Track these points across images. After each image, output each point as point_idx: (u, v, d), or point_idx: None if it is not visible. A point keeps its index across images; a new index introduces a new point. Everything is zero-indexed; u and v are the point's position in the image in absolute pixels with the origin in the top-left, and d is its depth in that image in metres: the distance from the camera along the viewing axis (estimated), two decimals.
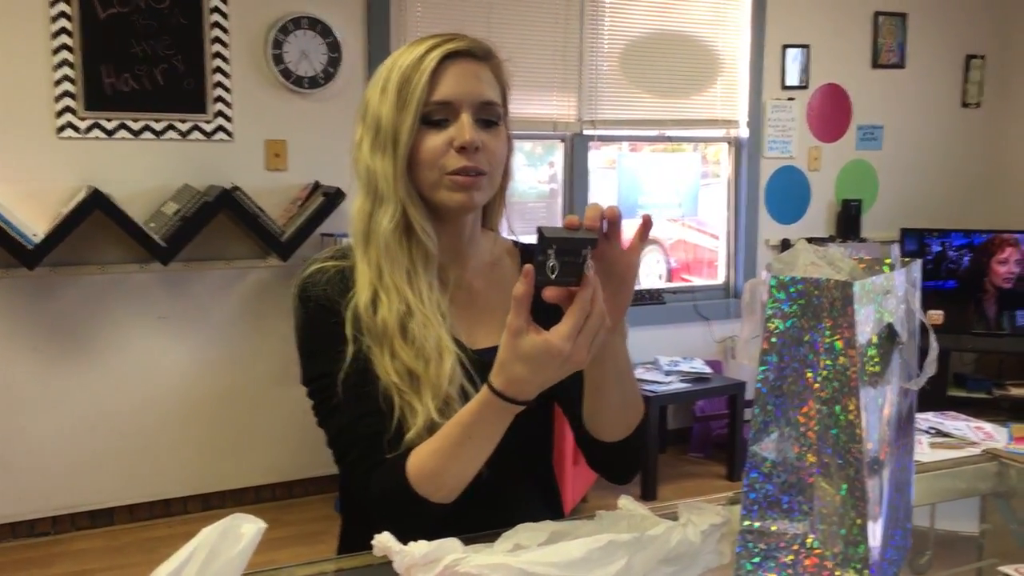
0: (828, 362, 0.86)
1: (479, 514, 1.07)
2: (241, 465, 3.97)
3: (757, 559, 0.88)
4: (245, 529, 0.75)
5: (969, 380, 5.10)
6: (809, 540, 0.88)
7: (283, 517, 3.81)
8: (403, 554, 0.84)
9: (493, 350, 1.17)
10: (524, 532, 0.90)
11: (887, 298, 0.91)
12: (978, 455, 1.43)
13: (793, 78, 4.98)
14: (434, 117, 1.15)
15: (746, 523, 0.88)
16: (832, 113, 5.12)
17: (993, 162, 5.56)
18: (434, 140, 1.15)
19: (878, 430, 0.89)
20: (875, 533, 0.87)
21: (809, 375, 0.87)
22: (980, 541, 1.45)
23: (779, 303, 0.87)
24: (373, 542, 0.87)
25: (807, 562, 0.88)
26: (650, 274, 5.24)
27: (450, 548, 0.85)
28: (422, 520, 1.08)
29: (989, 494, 1.36)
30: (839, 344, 0.85)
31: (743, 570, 0.88)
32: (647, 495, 4.10)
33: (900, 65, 5.25)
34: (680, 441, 4.78)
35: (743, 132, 4.94)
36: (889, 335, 0.91)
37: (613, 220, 1.04)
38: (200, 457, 3.93)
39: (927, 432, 3.48)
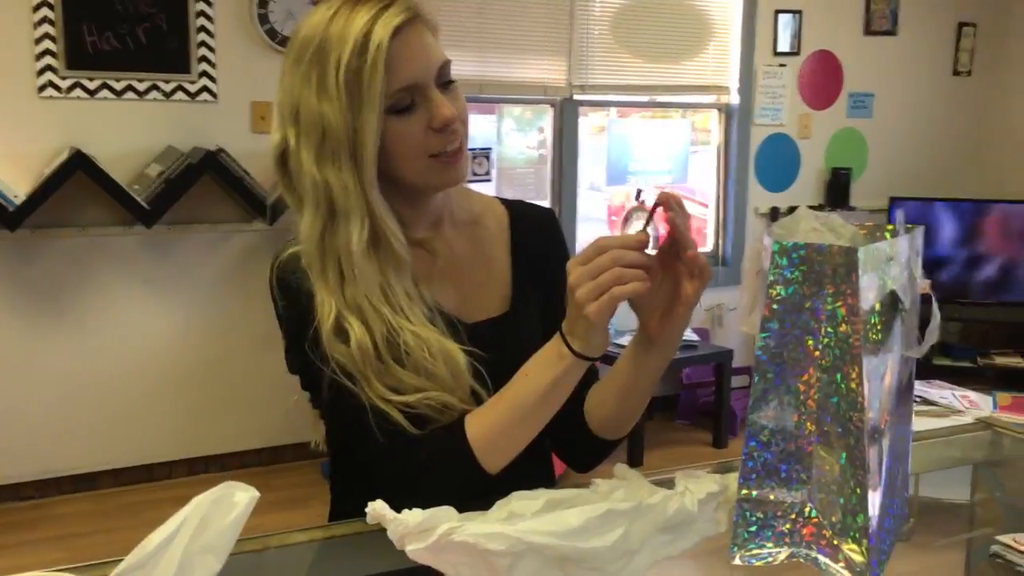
0: (830, 329, 0.84)
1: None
2: (227, 430, 3.95)
3: (754, 528, 0.87)
4: (238, 497, 0.73)
5: (954, 349, 5.13)
6: (807, 509, 0.87)
7: (270, 482, 3.79)
8: (397, 522, 0.83)
9: (485, 323, 1.16)
10: (518, 500, 0.89)
11: (890, 265, 0.89)
12: (971, 423, 1.42)
13: (785, 44, 4.93)
14: (400, 106, 1.03)
15: (744, 492, 0.87)
16: (823, 80, 5.08)
17: (983, 131, 5.54)
18: (407, 128, 1.04)
19: (879, 398, 0.87)
20: (874, 502, 0.86)
21: (810, 342, 0.85)
22: (970, 510, 1.44)
23: (781, 269, 0.85)
24: (367, 510, 0.85)
25: (804, 531, 0.87)
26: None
27: (445, 516, 0.83)
28: (467, 488, 0.98)
29: (981, 463, 1.36)
30: (842, 311, 0.83)
31: (740, 539, 0.87)
32: (633, 461, 4.11)
33: (892, 32, 5.21)
34: (667, 408, 4.79)
35: (734, 99, 4.90)
36: (892, 302, 0.89)
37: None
38: (185, 421, 3.91)
39: (913, 400, 3.52)
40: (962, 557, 1.51)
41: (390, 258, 1.07)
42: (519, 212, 1.26)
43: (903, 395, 0.97)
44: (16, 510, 3.61)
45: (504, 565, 0.82)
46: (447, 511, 0.85)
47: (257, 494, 0.76)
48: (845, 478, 0.84)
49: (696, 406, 4.77)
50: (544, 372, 1.00)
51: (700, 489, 0.90)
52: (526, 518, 0.85)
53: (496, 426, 1.03)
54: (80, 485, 3.76)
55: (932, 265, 5.00)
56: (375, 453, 1.06)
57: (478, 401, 1.08)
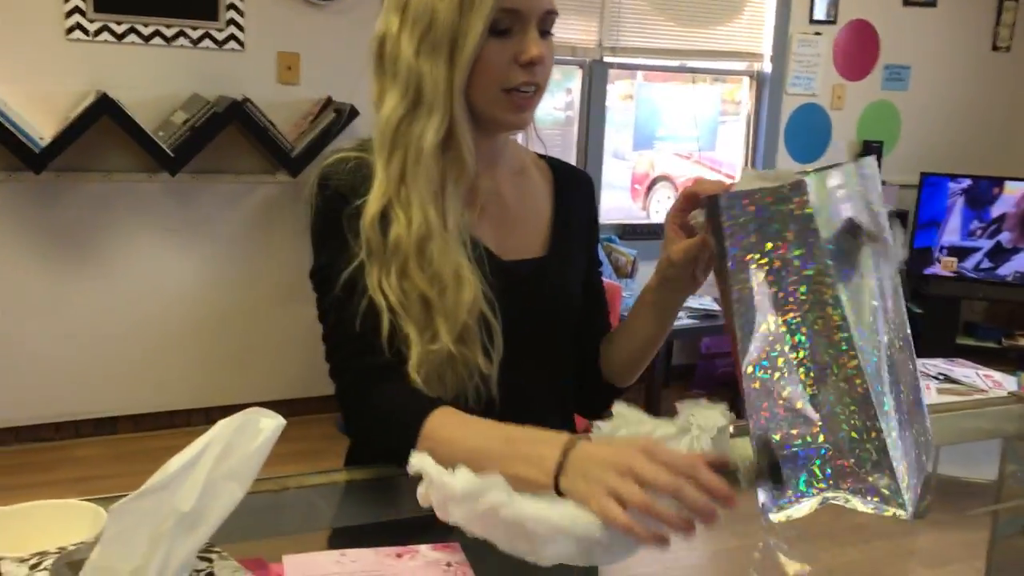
0: (797, 263, 0.83)
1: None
2: (245, 380, 3.96)
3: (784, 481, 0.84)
4: (264, 424, 0.71)
5: (979, 329, 5.07)
6: (827, 451, 0.83)
7: (286, 434, 3.70)
8: (441, 486, 0.79)
9: (523, 263, 1.17)
10: None
11: (841, 194, 0.87)
12: (1003, 396, 1.39)
13: (821, 12, 4.83)
14: (500, 26, 1.04)
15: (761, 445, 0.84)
16: (859, 51, 4.98)
17: (1020, 108, 5.43)
18: (498, 51, 1.05)
19: (867, 324, 0.85)
20: (890, 433, 0.83)
21: (777, 285, 0.84)
22: (997, 485, 1.42)
23: (735, 219, 0.84)
24: (412, 460, 0.83)
25: (830, 471, 0.83)
26: (661, 211, 5.17)
27: (493, 485, 0.79)
28: (386, 458, 1.03)
29: (1013, 437, 1.33)
30: (799, 251, 0.82)
31: (773, 495, 0.83)
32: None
33: (932, 3, 5.09)
34: (684, 377, 4.77)
35: (766, 66, 4.81)
36: (850, 230, 0.86)
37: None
38: (204, 370, 3.92)
39: (936, 378, 3.46)
40: (985, 535, 1.48)
41: (455, 164, 1.08)
42: (562, 171, 1.29)
43: (895, 322, 0.92)
44: (35, 451, 3.65)
45: (542, 541, 0.80)
46: (497, 480, 0.81)
47: (283, 421, 0.74)
48: (851, 414, 0.82)
49: (714, 376, 4.74)
50: (513, 464, 0.90)
51: (710, 424, 0.86)
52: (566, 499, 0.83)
53: (447, 449, 0.95)
54: (99, 429, 3.79)
55: (961, 243, 4.93)
56: (346, 356, 1.08)
57: (464, 341, 1.07)
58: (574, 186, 1.28)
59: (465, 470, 0.83)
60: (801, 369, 0.83)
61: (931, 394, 3.35)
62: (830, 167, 0.88)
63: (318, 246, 1.12)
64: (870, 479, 0.82)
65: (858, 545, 3.15)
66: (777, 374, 0.84)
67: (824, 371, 0.83)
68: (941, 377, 3.40)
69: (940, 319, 4.87)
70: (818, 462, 0.83)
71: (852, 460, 0.83)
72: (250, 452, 0.68)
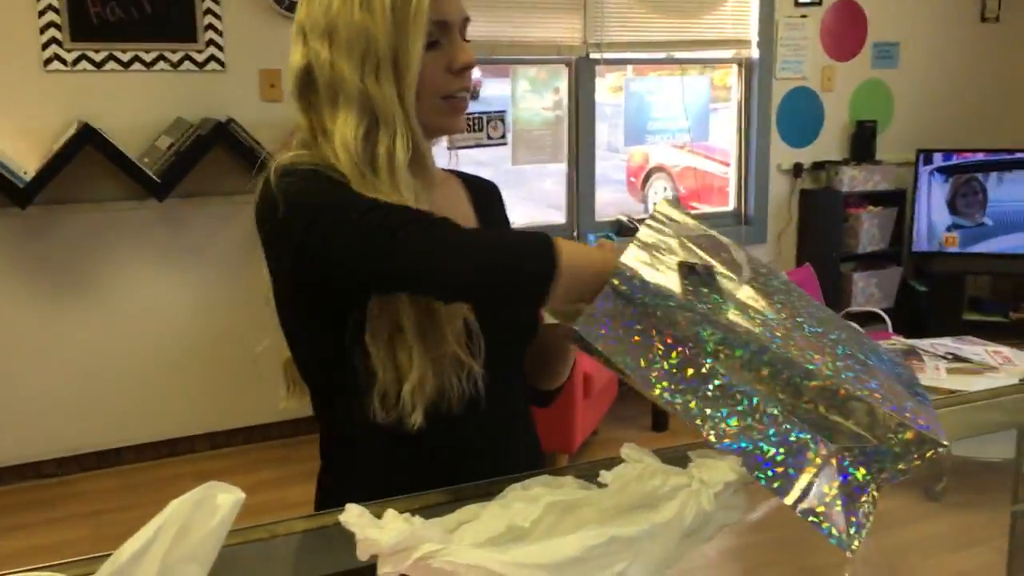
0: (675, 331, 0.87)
1: (472, 436, 1.11)
2: (246, 402, 3.92)
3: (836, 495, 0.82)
4: (221, 500, 0.66)
5: (985, 304, 5.02)
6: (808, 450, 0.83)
7: (292, 455, 3.78)
8: (367, 542, 0.73)
9: None
10: (516, 503, 0.80)
11: (661, 254, 0.94)
12: (1015, 384, 1.35)
13: None
14: (431, 38, 1.08)
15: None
16: (846, 30, 4.94)
17: (1013, 79, 5.38)
18: (432, 62, 1.08)
19: (762, 323, 0.90)
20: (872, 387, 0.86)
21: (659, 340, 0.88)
22: (1015, 477, 1.38)
23: (604, 339, 0.86)
24: (340, 518, 0.77)
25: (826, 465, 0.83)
26: (659, 202, 5.13)
27: (424, 536, 0.74)
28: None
29: None
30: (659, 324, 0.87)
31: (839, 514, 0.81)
32: (657, 426, 4.06)
33: None
34: None
35: (754, 53, 4.77)
36: (690, 270, 0.93)
37: None
38: (205, 396, 3.88)
39: (944, 358, 3.41)
40: (1006, 515, 1.44)
41: (421, 175, 1.10)
42: (471, 182, 1.31)
43: (791, 302, 0.99)
44: (39, 488, 3.61)
45: None
46: (429, 528, 0.76)
47: (242, 495, 0.68)
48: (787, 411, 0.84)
49: None
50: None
51: (715, 479, 0.81)
52: (518, 538, 0.76)
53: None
54: (103, 461, 3.75)
55: (962, 217, 4.88)
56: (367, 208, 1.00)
57: (460, 343, 1.08)
58: (487, 195, 1.31)
59: (395, 519, 0.77)
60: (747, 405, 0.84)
61: (941, 375, 3.30)
62: (633, 233, 0.97)
63: (311, 199, 1.04)
64: (892, 440, 0.83)
65: (877, 533, 3.11)
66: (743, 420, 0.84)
67: (768, 396, 0.84)
68: (950, 356, 3.35)
69: (945, 296, 4.83)
70: (850, 467, 0.83)
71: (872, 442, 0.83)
72: (209, 530, 0.64)
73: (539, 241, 0.94)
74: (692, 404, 0.83)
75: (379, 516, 0.75)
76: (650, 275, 0.90)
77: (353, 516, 0.75)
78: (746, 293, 0.94)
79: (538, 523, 0.78)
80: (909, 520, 3.17)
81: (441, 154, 1.26)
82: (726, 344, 0.86)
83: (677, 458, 0.84)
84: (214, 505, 0.64)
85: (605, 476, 0.83)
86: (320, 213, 1.01)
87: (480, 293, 1.00)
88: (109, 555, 0.67)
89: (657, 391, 0.83)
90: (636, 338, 0.86)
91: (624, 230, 4.47)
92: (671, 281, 0.90)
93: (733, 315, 0.90)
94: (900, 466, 0.83)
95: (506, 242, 1.00)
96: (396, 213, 0.99)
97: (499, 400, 1.14)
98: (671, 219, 1.01)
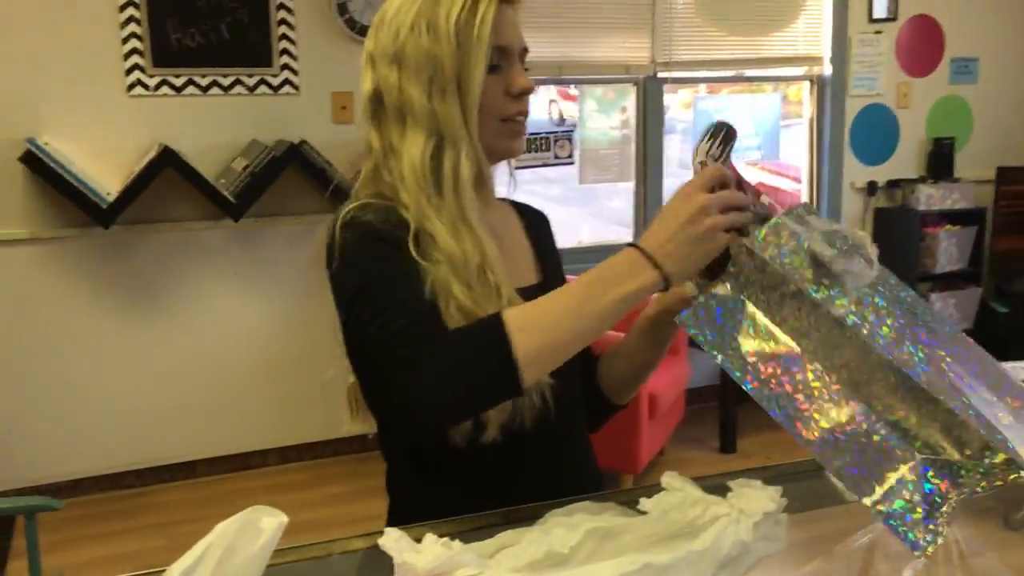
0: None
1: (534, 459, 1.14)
2: (317, 418, 3.98)
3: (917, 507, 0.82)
4: (265, 523, 0.68)
5: None
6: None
7: (361, 469, 3.82)
8: (405, 567, 0.74)
9: (525, 289, 1.20)
10: (556, 529, 0.81)
11: (797, 234, 0.95)
12: None
13: (881, 10, 4.70)
14: (493, 62, 1.14)
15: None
16: (923, 46, 4.83)
17: None
18: (493, 86, 1.15)
19: (880, 330, 0.90)
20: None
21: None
22: None
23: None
24: (379, 542, 0.78)
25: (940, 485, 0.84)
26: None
27: (462, 560, 0.75)
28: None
29: None
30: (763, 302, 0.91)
31: (914, 526, 0.81)
32: (726, 447, 4.00)
33: None
34: None
35: (827, 69, 4.69)
36: (814, 258, 0.95)
37: None
38: (277, 411, 3.96)
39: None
40: None
41: (483, 193, 1.17)
42: (523, 210, 1.37)
43: (911, 314, 0.98)
44: (118, 498, 3.73)
45: None
46: (466, 554, 0.76)
47: (285, 519, 0.71)
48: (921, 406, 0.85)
49: None
50: (614, 287, 0.96)
51: (754, 509, 0.80)
52: (557, 564, 0.77)
53: (533, 310, 0.98)
54: (178, 473, 3.86)
55: None
56: (402, 341, 1.00)
57: None
58: (539, 223, 1.37)
59: (433, 543, 0.77)
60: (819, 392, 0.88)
61: None
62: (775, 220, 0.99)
63: (358, 268, 1.09)
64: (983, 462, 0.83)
65: (952, 561, 3.01)
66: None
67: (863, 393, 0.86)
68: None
69: None
70: (930, 476, 0.83)
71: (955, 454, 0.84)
72: (253, 553, 0.66)
73: (489, 326, 0.96)
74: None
75: (419, 540, 0.76)
76: (773, 254, 0.93)
77: (391, 540, 0.76)
78: (864, 292, 0.96)
79: (577, 549, 0.79)
80: (986, 549, 3.06)
81: (500, 181, 1.29)
82: (826, 344, 0.89)
83: (717, 487, 0.84)
84: (258, 528, 0.67)
85: (645, 504, 0.83)
86: (361, 294, 1.06)
87: (484, 403, 1.01)
88: (163, 571, 0.70)
89: (748, 388, 0.88)
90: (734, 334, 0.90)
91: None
92: (793, 264, 0.93)
93: (844, 309, 0.91)
94: (983, 484, 0.83)
95: (463, 355, 0.97)
96: (415, 342, 0.98)
97: (566, 414, 1.17)
98: (805, 216, 1.03)
